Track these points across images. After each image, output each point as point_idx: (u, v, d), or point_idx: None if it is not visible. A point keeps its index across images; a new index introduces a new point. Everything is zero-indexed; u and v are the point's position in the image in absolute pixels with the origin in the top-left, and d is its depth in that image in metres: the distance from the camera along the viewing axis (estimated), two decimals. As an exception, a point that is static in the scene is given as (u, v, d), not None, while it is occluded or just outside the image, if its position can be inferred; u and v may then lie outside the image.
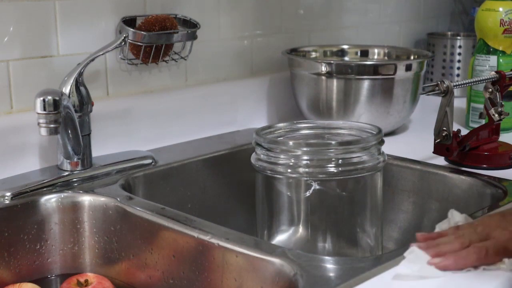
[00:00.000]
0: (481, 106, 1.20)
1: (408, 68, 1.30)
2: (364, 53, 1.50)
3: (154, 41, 1.14)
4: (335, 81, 1.29)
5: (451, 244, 0.74)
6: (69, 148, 1.03)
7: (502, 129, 1.20)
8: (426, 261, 0.72)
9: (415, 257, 0.73)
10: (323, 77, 1.30)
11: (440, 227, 0.80)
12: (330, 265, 0.76)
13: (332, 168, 0.92)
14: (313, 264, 0.76)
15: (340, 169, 0.92)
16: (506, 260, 0.72)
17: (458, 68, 1.72)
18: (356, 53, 1.50)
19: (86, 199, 1.00)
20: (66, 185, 1.03)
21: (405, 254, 0.74)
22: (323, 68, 1.29)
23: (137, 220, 0.94)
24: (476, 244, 0.73)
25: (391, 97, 1.29)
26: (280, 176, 0.95)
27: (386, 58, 1.49)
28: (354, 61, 1.46)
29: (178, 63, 1.26)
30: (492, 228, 0.75)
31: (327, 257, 0.78)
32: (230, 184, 1.21)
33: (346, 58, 1.50)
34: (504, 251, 0.73)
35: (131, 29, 1.13)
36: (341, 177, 0.94)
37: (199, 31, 1.21)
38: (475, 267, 0.72)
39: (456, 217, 0.80)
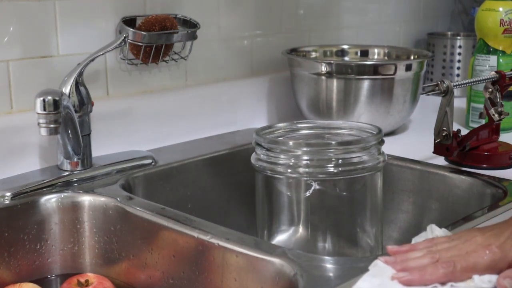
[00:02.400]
0: (481, 106, 1.20)
1: (408, 68, 1.30)
2: (364, 53, 1.50)
3: (154, 41, 1.14)
4: (335, 81, 1.29)
5: (420, 259, 0.69)
6: (69, 148, 1.03)
7: (502, 129, 1.20)
8: (390, 275, 0.68)
9: (378, 271, 0.70)
10: (323, 77, 1.30)
11: (416, 240, 0.76)
12: (330, 265, 0.76)
13: (332, 168, 0.92)
14: (313, 264, 0.76)
15: (340, 169, 0.92)
16: (475, 277, 0.68)
17: (458, 68, 1.72)
18: (356, 53, 1.50)
19: (86, 199, 1.00)
20: (66, 185, 1.03)
21: (370, 267, 0.71)
22: (323, 68, 1.29)
23: (137, 220, 0.94)
24: (445, 258, 0.69)
25: (391, 97, 1.29)
26: (280, 176, 0.95)
27: (386, 58, 1.49)
28: (354, 61, 1.46)
29: (178, 63, 1.26)
30: (466, 243, 0.70)
31: (327, 257, 0.78)
32: (230, 184, 1.21)
33: (346, 58, 1.50)
34: (473, 268, 0.68)
35: (131, 29, 1.13)
36: (341, 177, 0.94)
37: (199, 31, 1.21)
38: (443, 283, 0.68)
39: (435, 232, 0.77)
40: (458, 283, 0.68)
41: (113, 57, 1.17)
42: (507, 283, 0.66)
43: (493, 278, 0.68)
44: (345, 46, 1.51)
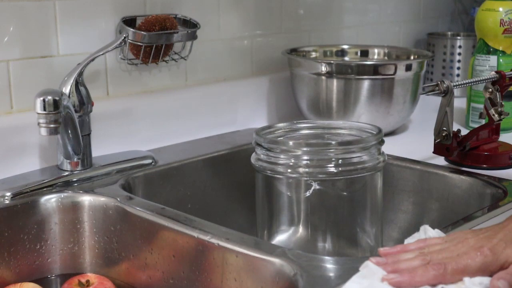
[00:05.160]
0: (481, 106, 1.20)
1: (408, 68, 1.30)
2: (364, 53, 1.50)
3: (154, 41, 1.14)
4: (335, 81, 1.29)
5: (411, 261, 0.69)
6: (69, 148, 1.03)
7: (502, 129, 1.20)
8: (380, 277, 0.68)
9: (368, 272, 0.69)
10: (323, 77, 1.30)
11: (408, 241, 0.75)
12: (330, 265, 0.76)
13: (332, 168, 0.92)
14: (313, 264, 0.76)
15: (340, 169, 0.92)
16: (466, 279, 0.67)
17: (458, 68, 1.72)
18: (356, 53, 1.50)
19: (86, 199, 1.00)
20: (66, 185, 1.03)
21: (360, 268, 0.70)
22: (323, 68, 1.29)
23: (137, 220, 0.94)
24: (436, 260, 0.68)
25: (391, 97, 1.29)
26: (280, 176, 0.95)
27: (386, 58, 1.49)
28: (354, 61, 1.46)
29: (178, 63, 1.26)
30: (459, 245, 0.70)
31: (327, 257, 0.78)
32: (230, 184, 1.21)
33: (346, 58, 1.50)
34: (464, 270, 0.67)
35: (131, 29, 1.13)
36: (341, 177, 0.94)
37: (199, 31, 1.21)
38: (433, 285, 0.67)
39: (428, 232, 0.76)
40: (448, 285, 0.67)
41: (113, 57, 1.17)
42: (501, 284, 0.66)
43: (484, 280, 0.67)
44: (345, 46, 1.51)
